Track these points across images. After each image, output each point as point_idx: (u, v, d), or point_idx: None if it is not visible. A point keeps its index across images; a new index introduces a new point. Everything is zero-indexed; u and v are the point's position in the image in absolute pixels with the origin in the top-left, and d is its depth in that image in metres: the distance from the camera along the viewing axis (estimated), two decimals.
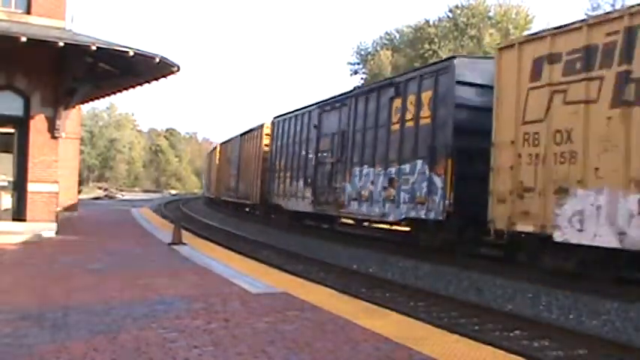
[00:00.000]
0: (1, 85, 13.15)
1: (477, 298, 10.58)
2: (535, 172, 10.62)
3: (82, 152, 43.71)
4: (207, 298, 7.06)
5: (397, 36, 53.60)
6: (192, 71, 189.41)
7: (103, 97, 19.00)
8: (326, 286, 9.44)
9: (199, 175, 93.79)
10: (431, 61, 41.55)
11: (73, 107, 15.43)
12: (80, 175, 30.45)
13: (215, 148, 45.18)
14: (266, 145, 26.22)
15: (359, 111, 17.12)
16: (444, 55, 40.21)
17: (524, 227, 10.82)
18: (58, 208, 16.14)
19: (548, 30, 10.95)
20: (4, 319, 5.79)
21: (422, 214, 13.88)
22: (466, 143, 12.68)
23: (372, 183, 16.09)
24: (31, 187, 13.38)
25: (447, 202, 12.95)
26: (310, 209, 20.03)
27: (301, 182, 21.02)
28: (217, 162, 40.58)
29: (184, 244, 13.02)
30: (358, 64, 56.16)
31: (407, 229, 16.28)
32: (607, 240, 9.19)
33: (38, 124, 13.49)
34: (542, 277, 11.34)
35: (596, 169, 9.46)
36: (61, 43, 11.62)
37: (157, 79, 14.52)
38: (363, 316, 6.24)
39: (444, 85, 13.41)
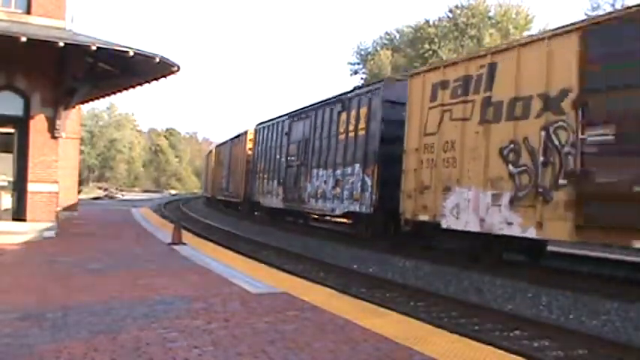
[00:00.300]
0: (1, 85, 13.14)
1: (477, 298, 10.58)
2: (430, 174, 13.39)
3: (82, 152, 43.91)
4: (207, 298, 7.06)
5: (397, 36, 53.63)
6: (192, 71, 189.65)
7: (103, 97, 18.99)
8: (326, 286, 9.44)
9: (199, 175, 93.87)
10: (431, 61, 41.61)
11: (73, 107, 15.42)
12: (80, 175, 30.44)
13: (211, 150, 47.83)
14: (249, 149, 29.20)
15: (318, 122, 20.16)
16: (444, 55, 40.30)
17: (423, 217, 13.63)
18: (58, 208, 16.14)
19: (443, 62, 14.30)
20: (4, 319, 5.79)
21: (357, 209, 16.83)
22: (389, 150, 15.41)
23: (325, 183, 19.14)
24: (31, 187, 13.38)
25: (374, 197, 15.89)
26: (281, 205, 23.20)
27: (275, 182, 24.16)
28: (213, 164, 43.10)
29: (184, 244, 13.02)
30: (358, 64, 56.20)
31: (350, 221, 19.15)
32: (473, 225, 11.99)
33: (38, 124, 13.49)
34: (542, 277, 11.36)
35: (468, 171, 12.24)
36: (61, 43, 11.61)
37: (156, 79, 14.52)
38: (363, 316, 6.24)
39: (375, 103, 16.39)
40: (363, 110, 17.05)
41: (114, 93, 17.57)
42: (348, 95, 18.18)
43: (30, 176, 13.38)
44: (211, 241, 16.20)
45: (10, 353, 4.70)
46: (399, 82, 16.13)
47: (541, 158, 10.54)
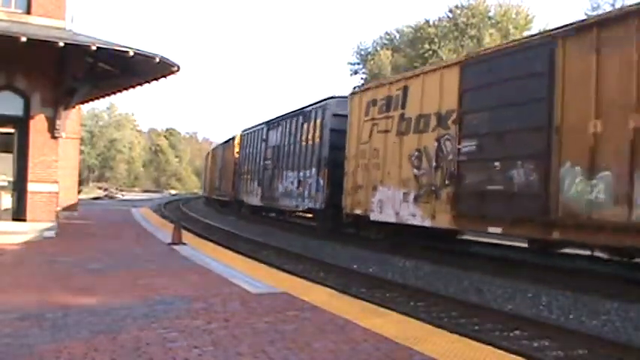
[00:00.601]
0: (1, 85, 13.14)
1: (477, 298, 10.57)
2: (363, 176, 16.36)
3: (82, 152, 44.06)
4: (207, 298, 7.06)
5: (397, 36, 53.59)
6: (192, 71, 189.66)
7: (103, 97, 18.99)
8: (326, 286, 9.44)
9: (199, 175, 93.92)
10: (431, 61, 41.58)
11: (73, 107, 15.42)
12: (80, 175, 30.46)
13: (209, 152, 51.57)
14: (237, 153, 32.42)
15: (287, 130, 23.32)
16: (444, 55, 40.28)
17: (358, 211, 16.59)
18: (58, 208, 16.13)
19: (375, 84, 17.37)
20: (4, 319, 5.79)
21: (313, 205, 19.95)
22: (336, 156, 18.26)
23: (292, 183, 22.23)
24: (31, 187, 13.38)
25: (324, 195, 19.04)
26: (260, 203, 26.47)
27: (255, 183, 27.44)
28: (209, 165, 46.43)
29: (184, 244, 13.02)
30: (358, 64, 56.16)
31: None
32: (391, 217, 14.87)
33: (38, 124, 13.48)
34: (542, 277, 11.36)
35: (388, 173, 15.06)
36: (61, 43, 11.61)
37: (156, 79, 14.52)
38: (363, 316, 6.23)
39: (327, 116, 19.61)
40: (319, 122, 20.21)
41: (114, 93, 17.56)
42: (309, 108, 21.37)
43: (30, 176, 13.37)
44: (211, 241, 16.20)
45: (10, 353, 4.70)
46: (346, 99, 18.57)
47: (434, 163, 13.35)
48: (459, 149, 12.49)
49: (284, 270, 11.29)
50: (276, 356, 4.74)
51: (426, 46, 42.32)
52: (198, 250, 12.17)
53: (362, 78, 55.32)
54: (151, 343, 5.02)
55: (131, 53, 12.04)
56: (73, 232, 15.34)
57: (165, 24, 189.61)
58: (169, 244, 13.06)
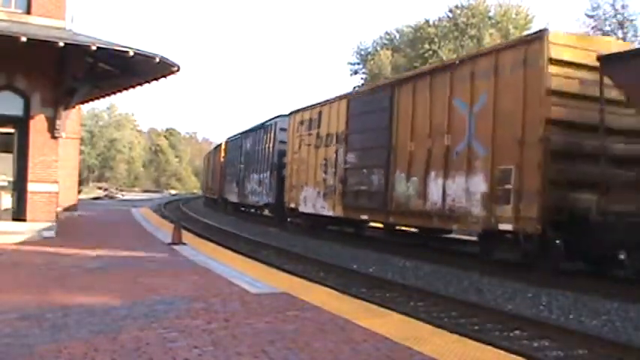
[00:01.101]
0: (1, 85, 13.13)
1: (477, 298, 10.57)
2: (296, 178, 21.73)
3: (82, 152, 44.22)
4: (207, 298, 7.06)
5: (397, 36, 53.57)
6: (192, 71, 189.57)
7: (103, 97, 18.99)
8: (326, 286, 9.44)
9: (199, 175, 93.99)
10: (431, 61, 41.54)
11: (73, 107, 15.42)
12: (80, 175, 30.49)
13: (206, 155, 57.80)
14: (223, 157, 38.69)
15: (254, 140, 29.55)
16: (444, 55, 40.25)
17: (292, 205, 21.90)
18: (58, 208, 16.13)
19: (303, 108, 21.96)
20: (4, 319, 5.79)
21: (268, 200, 26.08)
22: (282, 162, 23.78)
23: (256, 183, 28.35)
24: (31, 187, 13.37)
25: (274, 193, 24.90)
26: (237, 200, 32.51)
27: (234, 183, 33.23)
28: (205, 167, 53.15)
29: (184, 244, 13.02)
30: (358, 64, 56.14)
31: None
32: (311, 210, 20.10)
33: (38, 124, 13.48)
34: (542, 278, 11.36)
35: (309, 176, 20.31)
36: (61, 43, 11.61)
37: (156, 79, 14.51)
38: (363, 316, 6.23)
39: (276, 130, 25.64)
40: (271, 134, 26.27)
41: (114, 93, 17.57)
42: (268, 123, 27.48)
43: (30, 176, 13.36)
44: (211, 241, 16.20)
45: (10, 353, 4.70)
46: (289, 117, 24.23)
47: (334, 170, 18.59)
48: (345, 159, 17.92)
49: (284, 270, 11.29)
50: (276, 356, 4.74)
51: (426, 46, 42.32)
52: (198, 250, 12.17)
53: (362, 78, 55.33)
54: (151, 343, 5.02)
55: (131, 53, 12.04)
56: (73, 232, 15.34)
57: (165, 24, 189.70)
58: (169, 244, 13.06)
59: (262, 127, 28.02)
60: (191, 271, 9.29)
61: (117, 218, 22.89)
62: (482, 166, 12.32)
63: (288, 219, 23.15)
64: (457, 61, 13.65)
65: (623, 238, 9.90)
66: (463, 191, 12.78)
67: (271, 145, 25.91)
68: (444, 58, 40.09)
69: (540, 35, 11.24)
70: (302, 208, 20.88)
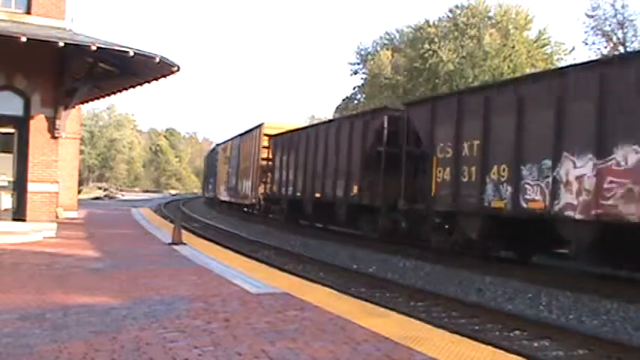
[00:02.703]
0: (1, 85, 13.12)
1: (477, 298, 10.58)
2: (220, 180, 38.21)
3: (82, 152, 44.36)
4: (207, 298, 7.06)
5: (397, 36, 53.52)
6: (192, 71, 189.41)
7: (103, 97, 18.98)
8: (326, 286, 9.44)
9: (199, 175, 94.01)
10: (430, 61, 41.54)
11: (73, 107, 15.40)
12: (80, 175, 30.49)
13: (204, 157, 62.59)
14: (216, 161, 43.54)
15: (233, 147, 35.97)
16: (443, 55, 40.25)
17: (223, 198, 37.57)
18: (59, 208, 16.12)
19: (231, 138, 36.88)
20: (4, 319, 5.79)
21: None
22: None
23: (230, 183, 35.70)
24: (31, 187, 13.37)
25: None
26: (228, 199, 36.71)
27: (223, 185, 38.77)
28: (203, 169, 59.82)
29: (184, 244, 13.02)
30: (358, 64, 56.09)
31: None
32: (227, 199, 36.19)
33: (38, 124, 13.47)
34: (542, 278, 11.37)
35: (224, 179, 37.17)
36: (61, 43, 11.60)
37: (156, 79, 14.51)
38: (363, 316, 6.23)
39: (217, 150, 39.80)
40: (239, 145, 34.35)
41: (114, 93, 17.56)
42: (244, 133, 33.19)
43: (30, 176, 13.36)
44: (211, 241, 16.20)
45: (10, 353, 4.70)
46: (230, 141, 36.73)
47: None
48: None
49: (284, 270, 11.29)
50: (276, 356, 4.74)
51: (426, 46, 42.28)
52: (198, 250, 12.17)
53: (362, 78, 55.28)
54: (151, 343, 5.02)
55: (131, 53, 12.03)
56: (73, 232, 15.33)
57: (165, 24, 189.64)
58: (169, 244, 13.06)
59: (238, 136, 34.80)
60: (191, 271, 9.29)
61: (117, 218, 22.89)
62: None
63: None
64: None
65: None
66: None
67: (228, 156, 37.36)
68: (444, 58, 40.17)
69: (260, 125, 28.56)
70: (222, 198, 38.41)
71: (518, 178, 11.69)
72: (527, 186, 11.52)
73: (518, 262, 13.38)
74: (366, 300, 8.53)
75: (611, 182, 9.84)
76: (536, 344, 7.57)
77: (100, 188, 73.26)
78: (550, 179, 11.00)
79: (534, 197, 11.35)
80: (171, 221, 19.43)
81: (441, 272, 12.92)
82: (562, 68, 13.45)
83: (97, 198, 51.84)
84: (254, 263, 11.27)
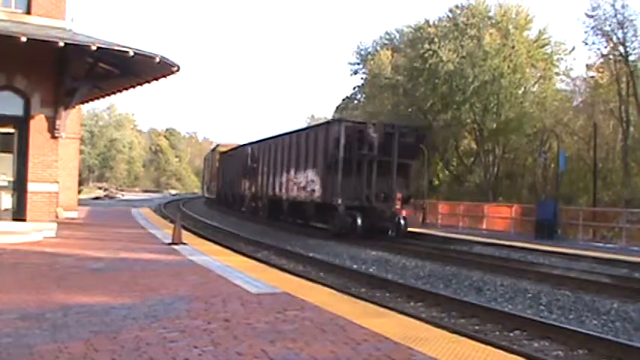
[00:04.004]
0: (1, 85, 13.12)
1: (477, 298, 10.58)
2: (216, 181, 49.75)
3: (82, 152, 44.56)
4: (208, 298, 7.06)
5: (397, 36, 53.54)
6: (192, 71, 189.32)
7: (103, 97, 18.99)
8: (326, 286, 9.44)
9: (199, 175, 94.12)
10: (430, 61, 41.51)
11: (73, 107, 15.40)
12: (80, 175, 30.49)
13: (203, 159, 68.13)
14: (207, 165, 52.87)
15: (211, 157, 48.86)
16: (443, 55, 40.22)
17: (207, 195, 52.40)
18: (58, 208, 16.12)
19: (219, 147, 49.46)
20: (4, 319, 5.79)
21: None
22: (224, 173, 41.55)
23: (214, 185, 45.10)
24: (31, 187, 13.36)
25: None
26: (207, 195, 49.11)
27: (214, 186, 45.91)
28: (202, 170, 65.85)
29: (184, 243, 13.01)
30: (358, 64, 56.14)
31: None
32: (207, 195, 51.91)
33: (38, 124, 13.47)
34: (542, 278, 11.38)
35: (208, 180, 53.45)
36: (61, 43, 11.60)
37: (157, 79, 14.51)
38: (363, 316, 6.23)
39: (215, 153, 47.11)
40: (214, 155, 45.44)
41: (114, 93, 17.56)
42: (218, 148, 44.62)
43: (30, 176, 13.36)
44: (211, 241, 16.20)
45: (10, 353, 4.70)
46: (225, 147, 43.21)
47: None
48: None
49: (284, 270, 11.29)
50: (276, 356, 4.74)
51: (426, 46, 42.26)
52: (198, 250, 12.17)
53: (362, 78, 55.28)
54: (151, 343, 5.02)
55: (131, 53, 12.03)
56: (73, 232, 15.33)
57: (165, 24, 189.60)
58: (169, 243, 13.06)
59: (215, 147, 46.43)
60: (191, 271, 9.29)
61: (117, 218, 22.88)
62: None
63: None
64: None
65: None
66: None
67: (218, 165, 44.09)
68: (444, 58, 40.12)
69: (217, 146, 47.79)
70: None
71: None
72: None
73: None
74: (366, 300, 8.53)
75: (292, 183, 23.91)
76: (536, 344, 7.57)
77: (100, 188, 73.37)
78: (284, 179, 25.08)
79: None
80: (172, 221, 19.42)
81: (441, 272, 12.93)
82: (284, 134, 26.56)
83: (97, 198, 51.91)
84: (254, 263, 11.27)
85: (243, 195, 32.85)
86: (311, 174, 21.88)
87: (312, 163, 21.91)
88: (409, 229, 20.33)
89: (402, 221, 19.98)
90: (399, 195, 19.93)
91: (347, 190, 19.61)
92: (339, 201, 19.67)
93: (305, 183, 22.45)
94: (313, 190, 21.68)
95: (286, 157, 24.87)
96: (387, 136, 20.21)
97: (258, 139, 30.91)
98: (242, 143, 36.19)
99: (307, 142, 22.70)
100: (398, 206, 19.81)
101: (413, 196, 22.64)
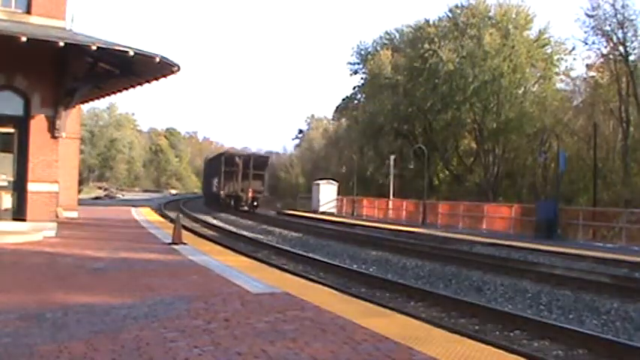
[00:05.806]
0: (1, 85, 13.12)
1: (477, 298, 10.58)
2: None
3: (82, 152, 44.51)
4: (208, 298, 7.06)
5: (397, 36, 53.58)
6: (192, 71, 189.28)
7: (103, 97, 19.01)
8: (326, 286, 9.44)
9: (199, 174, 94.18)
10: (430, 61, 41.54)
11: (73, 107, 15.42)
12: (80, 175, 30.49)
13: (204, 161, 71.30)
14: (204, 170, 58.81)
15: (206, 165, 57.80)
16: (443, 55, 40.25)
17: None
18: (59, 208, 16.12)
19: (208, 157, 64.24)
20: (4, 319, 5.79)
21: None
22: (208, 177, 51.40)
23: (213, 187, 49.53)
24: (31, 187, 13.37)
25: (217, 190, 43.65)
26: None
27: (208, 186, 50.39)
28: (202, 172, 68.10)
29: (184, 243, 13.02)
30: (358, 64, 56.15)
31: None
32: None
33: (38, 124, 13.47)
34: (542, 278, 11.38)
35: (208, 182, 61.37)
36: (62, 43, 11.60)
37: (157, 78, 14.51)
38: (363, 316, 6.23)
39: (205, 162, 61.99)
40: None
41: (114, 93, 17.58)
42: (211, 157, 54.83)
43: (30, 176, 13.35)
44: (211, 240, 16.21)
45: (10, 353, 4.70)
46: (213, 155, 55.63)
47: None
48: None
49: (284, 270, 11.29)
50: (276, 356, 4.74)
51: (426, 46, 42.31)
52: (199, 250, 12.17)
53: (362, 78, 55.29)
54: (151, 343, 5.02)
55: (131, 53, 12.03)
56: (73, 232, 15.33)
57: (165, 24, 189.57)
58: (169, 243, 13.06)
59: (212, 158, 52.09)
60: (191, 271, 9.29)
61: (117, 218, 22.89)
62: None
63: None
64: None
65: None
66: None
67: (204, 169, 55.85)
68: (444, 58, 40.15)
69: (206, 158, 63.77)
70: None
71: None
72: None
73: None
74: (366, 300, 8.53)
75: (214, 184, 42.67)
76: (536, 344, 7.57)
77: (100, 188, 73.40)
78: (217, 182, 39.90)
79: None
80: (172, 221, 19.43)
81: (441, 272, 12.92)
82: (215, 155, 47.70)
83: (97, 198, 51.93)
84: (254, 263, 11.28)
85: (210, 193, 47.74)
86: (216, 180, 40.80)
87: (217, 173, 40.43)
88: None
89: (255, 202, 39.20)
90: (251, 189, 38.84)
91: (226, 187, 38.83)
92: (222, 193, 38.91)
93: (216, 184, 41.04)
94: (217, 188, 40.06)
95: (214, 169, 43.05)
96: (247, 158, 40.24)
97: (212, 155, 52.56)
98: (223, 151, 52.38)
99: (216, 163, 42.41)
100: (251, 194, 38.72)
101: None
